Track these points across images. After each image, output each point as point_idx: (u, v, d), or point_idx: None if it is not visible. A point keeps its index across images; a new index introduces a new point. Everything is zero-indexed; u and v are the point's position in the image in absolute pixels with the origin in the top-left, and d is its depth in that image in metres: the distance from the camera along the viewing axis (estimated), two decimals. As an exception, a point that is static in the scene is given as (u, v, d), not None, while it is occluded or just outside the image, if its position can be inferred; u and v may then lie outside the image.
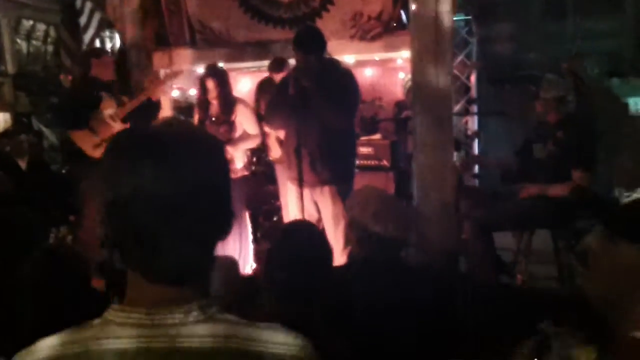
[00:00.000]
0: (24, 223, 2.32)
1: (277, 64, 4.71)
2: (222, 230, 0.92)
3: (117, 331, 0.87)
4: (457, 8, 4.75)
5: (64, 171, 4.61)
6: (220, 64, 5.23)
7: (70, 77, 5.68)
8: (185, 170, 0.86)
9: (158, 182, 0.84)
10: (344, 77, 3.74)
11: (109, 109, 4.43)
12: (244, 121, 4.38)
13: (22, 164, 5.66)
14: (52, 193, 5.27)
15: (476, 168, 6.04)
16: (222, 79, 4.35)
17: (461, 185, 4.34)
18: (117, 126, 4.37)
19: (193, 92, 6.19)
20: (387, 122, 5.52)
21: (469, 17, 6.10)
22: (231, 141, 4.29)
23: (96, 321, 0.91)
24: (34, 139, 6.62)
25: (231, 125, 4.33)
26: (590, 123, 3.89)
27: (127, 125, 4.39)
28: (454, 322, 2.48)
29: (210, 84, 4.29)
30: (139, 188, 0.83)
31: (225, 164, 0.96)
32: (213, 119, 4.35)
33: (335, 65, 3.82)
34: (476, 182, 6.03)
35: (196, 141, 0.91)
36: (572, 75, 4.98)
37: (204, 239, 0.90)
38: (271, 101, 3.90)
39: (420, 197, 3.73)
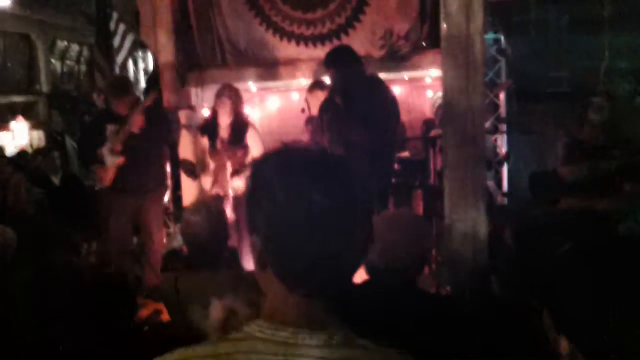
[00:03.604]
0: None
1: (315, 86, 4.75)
2: (365, 252, 0.94)
3: (261, 346, 0.89)
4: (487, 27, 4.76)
5: (97, 188, 4.70)
6: (250, 83, 5.33)
7: (102, 97, 5.81)
8: (341, 187, 0.89)
9: (319, 199, 0.86)
10: (383, 92, 3.76)
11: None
12: (253, 145, 4.35)
13: (56, 181, 5.80)
14: (84, 208, 5.39)
15: (505, 187, 6.00)
16: (238, 100, 4.38)
17: (493, 204, 4.32)
18: (116, 158, 4.42)
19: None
20: (415, 141, 5.51)
21: (498, 36, 6.11)
22: (246, 166, 4.26)
23: (236, 334, 0.92)
24: (65, 157, 6.79)
25: (246, 149, 4.34)
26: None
27: (123, 157, 4.41)
28: (486, 341, 2.45)
29: (227, 105, 4.28)
30: (305, 204, 0.86)
31: (360, 183, 0.96)
32: (227, 141, 4.34)
33: (371, 79, 3.85)
34: (505, 200, 5.98)
35: (343, 162, 0.94)
36: (606, 94, 4.96)
37: (351, 256, 0.92)
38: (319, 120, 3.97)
39: (451, 216, 3.71)
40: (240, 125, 4.38)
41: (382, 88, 3.81)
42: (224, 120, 4.37)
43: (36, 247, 2.53)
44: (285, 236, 0.87)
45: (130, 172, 4.39)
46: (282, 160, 0.93)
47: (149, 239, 4.62)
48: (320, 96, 4.45)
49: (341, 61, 3.75)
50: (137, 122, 4.33)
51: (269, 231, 0.89)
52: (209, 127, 4.46)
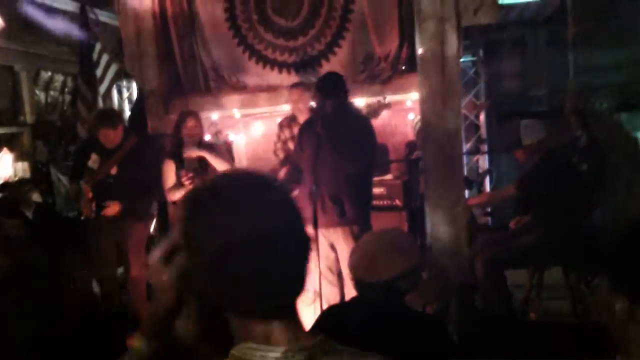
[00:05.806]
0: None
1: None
2: (303, 275, 0.95)
3: None
4: (463, 50, 4.89)
5: (82, 218, 4.67)
6: (235, 110, 5.39)
7: (86, 127, 5.82)
8: (274, 213, 0.89)
9: (251, 227, 0.86)
10: (362, 121, 3.87)
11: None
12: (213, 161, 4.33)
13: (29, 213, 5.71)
14: (61, 237, 5.31)
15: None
16: (201, 126, 4.48)
17: (474, 223, 4.38)
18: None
19: (208, 137, 6.31)
20: (398, 163, 5.58)
21: (476, 58, 6.24)
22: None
23: None
24: (50, 187, 6.76)
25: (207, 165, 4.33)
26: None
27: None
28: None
29: (192, 125, 4.37)
30: (236, 234, 0.85)
31: (297, 207, 0.97)
32: (194, 169, 4.31)
33: (353, 109, 3.95)
34: (489, 219, 6.05)
35: (276, 187, 0.94)
36: (576, 112, 5.06)
37: (292, 277, 0.92)
38: (297, 142, 4.08)
39: (433, 235, 3.77)
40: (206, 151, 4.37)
41: (360, 116, 3.94)
42: (191, 148, 4.36)
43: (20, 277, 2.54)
44: (218, 263, 0.86)
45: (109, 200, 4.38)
46: (217, 186, 0.93)
47: (128, 268, 4.56)
48: (304, 97, 4.61)
49: (332, 87, 3.84)
50: (112, 167, 4.39)
51: (200, 257, 0.88)
52: (175, 154, 4.45)
